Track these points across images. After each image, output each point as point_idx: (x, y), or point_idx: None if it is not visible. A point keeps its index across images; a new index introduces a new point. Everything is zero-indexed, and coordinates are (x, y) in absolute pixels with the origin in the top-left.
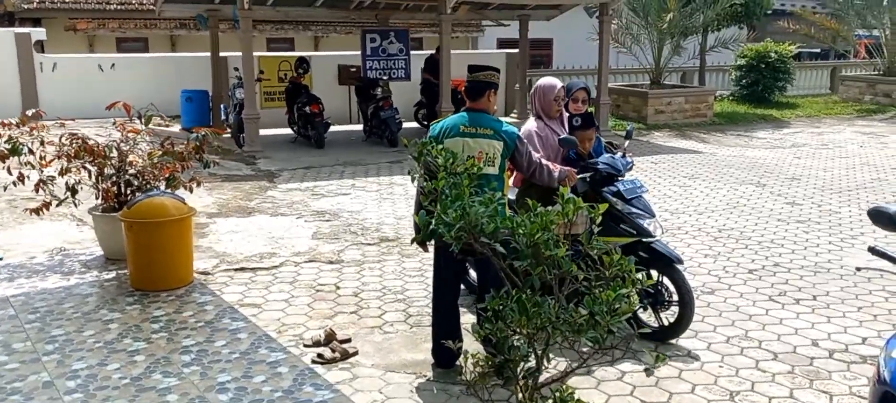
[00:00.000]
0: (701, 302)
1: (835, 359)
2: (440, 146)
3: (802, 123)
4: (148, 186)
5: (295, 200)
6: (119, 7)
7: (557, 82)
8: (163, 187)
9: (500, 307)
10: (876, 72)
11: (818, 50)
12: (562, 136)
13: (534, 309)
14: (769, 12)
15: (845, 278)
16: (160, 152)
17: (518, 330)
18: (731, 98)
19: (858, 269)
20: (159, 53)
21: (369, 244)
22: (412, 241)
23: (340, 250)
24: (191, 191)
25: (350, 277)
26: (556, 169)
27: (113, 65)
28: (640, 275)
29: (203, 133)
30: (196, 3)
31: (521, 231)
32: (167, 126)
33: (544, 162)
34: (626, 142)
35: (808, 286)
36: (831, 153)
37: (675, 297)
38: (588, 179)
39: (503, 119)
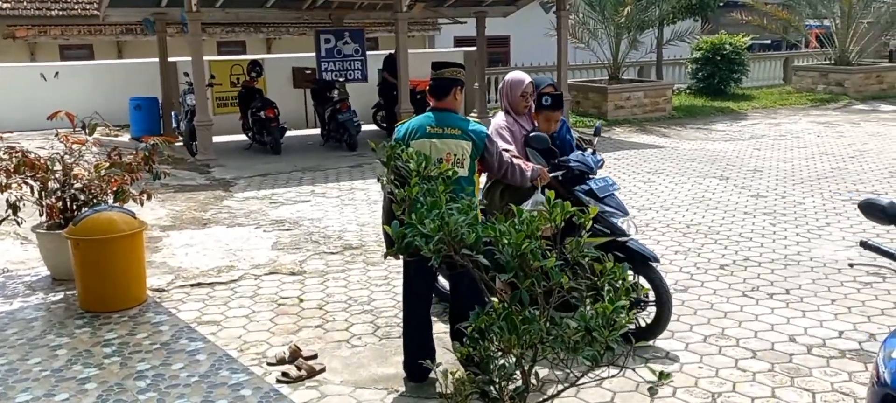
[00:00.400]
0: (675, 300)
1: (814, 355)
2: (411, 149)
3: (759, 115)
4: (95, 201)
5: (252, 209)
6: (61, 13)
7: (526, 77)
8: (111, 201)
9: (485, 325)
10: (827, 62)
11: (769, 41)
12: (530, 133)
13: (524, 327)
14: (722, 4)
15: (816, 270)
16: (107, 164)
17: (506, 349)
18: (688, 91)
19: (852, 265)
20: (106, 60)
21: (332, 253)
22: (385, 255)
23: (302, 260)
24: (141, 204)
25: (314, 289)
26: (529, 167)
27: (57, 73)
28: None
29: (152, 142)
30: (142, 7)
31: (505, 240)
32: (115, 136)
33: (516, 161)
34: (596, 140)
35: (780, 279)
36: (790, 143)
37: (652, 297)
38: (560, 178)
39: (469, 118)
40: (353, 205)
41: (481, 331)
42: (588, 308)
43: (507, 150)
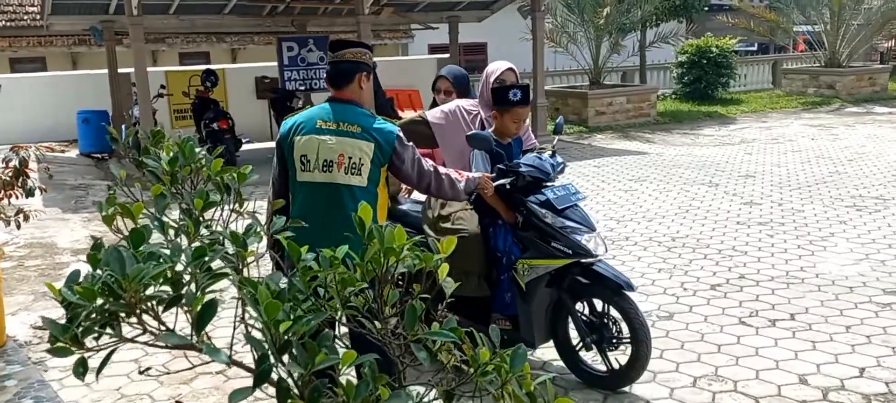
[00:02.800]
0: (658, 330)
1: (830, 402)
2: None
3: (749, 119)
4: None
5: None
6: (8, 24)
7: (506, 63)
8: None
9: None
10: (818, 65)
11: (754, 47)
12: (470, 132)
13: None
14: (707, 8)
15: (824, 290)
16: None
17: None
18: (673, 96)
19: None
20: (55, 72)
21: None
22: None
23: (223, 288)
24: (18, 226)
25: (227, 324)
26: (462, 177)
27: None
28: (579, 306)
29: (23, 154)
30: (88, 15)
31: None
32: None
33: (443, 170)
34: (556, 139)
35: (783, 302)
36: (783, 147)
37: (626, 333)
38: (508, 186)
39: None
40: None
41: None
42: None
43: (420, 121)
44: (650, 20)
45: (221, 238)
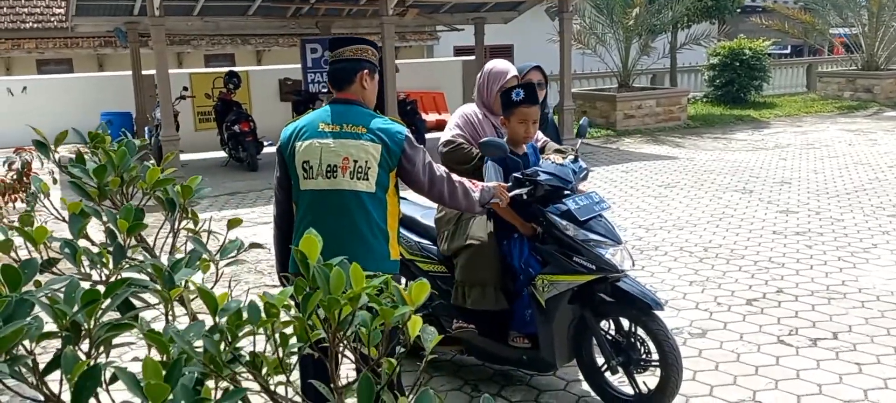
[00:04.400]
0: (690, 349)
1: None
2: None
3: (783, 123)
4: None
5: (201, 232)
6: (35, 26)
7: (511, 69)
8: None
9: None
10: (854, 68)
11: (787, 49)
12: (483, 139)
13: None
14: (739, 10)
15: (868, 306)
16: None
17: None
18: (705, 99)
19: None
20: (80, 74)
21: (276, 286)
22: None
23: (236, 296)
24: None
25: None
26: (477, 187)
27: (24, 88)
28: (604, 325)
29: (29, 156)
30: (112, 16)
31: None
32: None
33: (456, 177)
34: (579, 142)
35: (824, 319)
36: (819, 153)
37: (656, 355)
38: (525, 197)
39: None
40: None
41: None
42: None
43: (454, 145)
44: (681, 21)
45: (147, 269)
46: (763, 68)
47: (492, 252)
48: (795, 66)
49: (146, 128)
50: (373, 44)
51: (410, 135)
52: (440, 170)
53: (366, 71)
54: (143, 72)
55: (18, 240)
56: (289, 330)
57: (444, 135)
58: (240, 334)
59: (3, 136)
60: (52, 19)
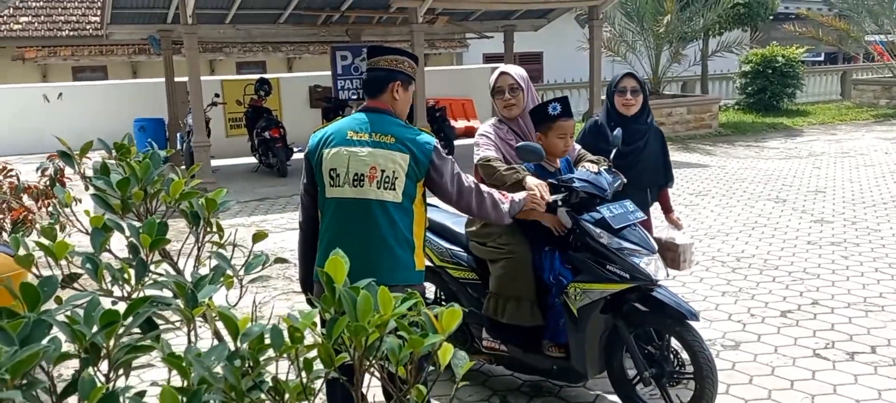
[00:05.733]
0: (723, 362)
1: None
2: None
3: (816, 131)
4: None
5: (228, 239)
6: (71, 33)
7: (499, 68)
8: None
9: None
10: (890, 75)
11: (820, 57)
12: (519, 144)
13: None
14: (772, 17)
15: None
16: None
17: None
18: (736, 107)
19: None
20: (114, 81)
21: (299, 293)
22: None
23: (263, 303)
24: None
25: None
26: (507, 198)
27: (60, 94)
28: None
29: (57, 163)
30: (146, 24)
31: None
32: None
33: (485, 188)
34: (613, 152)
35: (862, 332)
36: (855, 162)
37: (689, 367)
38: (559, 203)
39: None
40: None
41: None
42: None
43: (492, 167)
44: (713, 29)
45: (170, 285)
46: (796, 75)
47: (528, 265)
48: (829, 74)
49: (178, 135)
50: (412, 55)
51: (438, 146)
52: (469, 180)
53: (399, 82)
54: (176, 79)
55: (40, 253)
56: (313, 354)
57: (480, 152)
58: (262, 360)
59: (40, 143)
60: (88, 27)
